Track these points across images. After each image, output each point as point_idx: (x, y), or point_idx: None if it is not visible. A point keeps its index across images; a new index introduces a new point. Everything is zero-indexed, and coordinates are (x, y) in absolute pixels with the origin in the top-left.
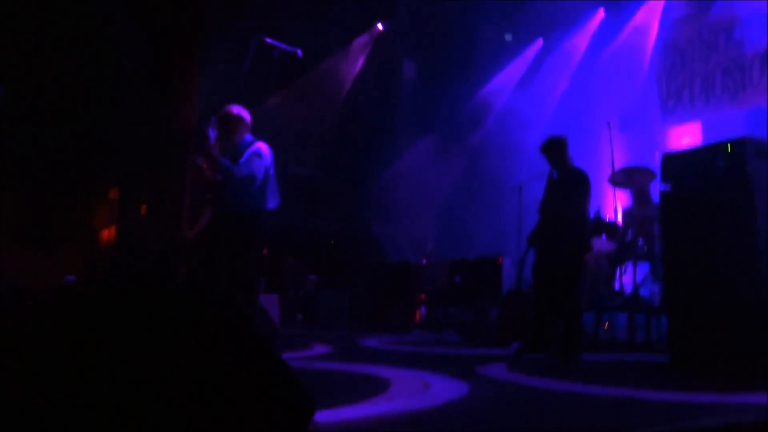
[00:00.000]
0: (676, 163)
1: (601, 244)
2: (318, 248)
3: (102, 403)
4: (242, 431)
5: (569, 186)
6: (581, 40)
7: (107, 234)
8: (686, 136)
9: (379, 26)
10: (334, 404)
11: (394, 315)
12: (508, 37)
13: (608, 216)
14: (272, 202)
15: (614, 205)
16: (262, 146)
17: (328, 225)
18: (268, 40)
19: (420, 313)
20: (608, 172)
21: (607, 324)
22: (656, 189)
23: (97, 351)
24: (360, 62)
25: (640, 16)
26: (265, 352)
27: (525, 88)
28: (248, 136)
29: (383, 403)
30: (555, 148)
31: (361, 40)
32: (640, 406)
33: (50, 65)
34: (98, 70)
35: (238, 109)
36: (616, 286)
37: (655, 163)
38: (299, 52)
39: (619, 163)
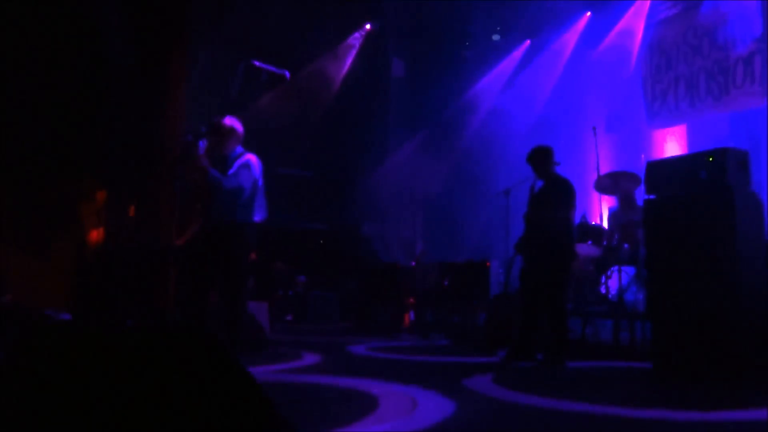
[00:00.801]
0: (659, 171)
1: (587, 248)
2: (307, 249)
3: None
4: None
5: (554, 195)
6: (568, 41)
7: (95, 235)
8: (671, 140)
9: (368, 26)
10: (323, 427)
11: (383, 317)
12: (495, 37)
13: (594, 221)
14: (259, 215)
15: (600, 209)
16: (251, 158)
17: (316, 225)
18: (257, 64)
19: (409, 316)
20: (594, 176)
21: (593, 328)
22: (642, 193)
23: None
24: (349, 61)
25: (626, 18)
26: (250, 391)
27: (512, 89)
28: (239, 148)
29: (371, 425)
30: (540, 158)
31: (350, 40)
32: (624, 425)
33: (38, 65)
34: (86, 70)
35: (231, 121)
36: (602, 290)
37: (641, 167)
38: (287, 75)
39: (605, 168)
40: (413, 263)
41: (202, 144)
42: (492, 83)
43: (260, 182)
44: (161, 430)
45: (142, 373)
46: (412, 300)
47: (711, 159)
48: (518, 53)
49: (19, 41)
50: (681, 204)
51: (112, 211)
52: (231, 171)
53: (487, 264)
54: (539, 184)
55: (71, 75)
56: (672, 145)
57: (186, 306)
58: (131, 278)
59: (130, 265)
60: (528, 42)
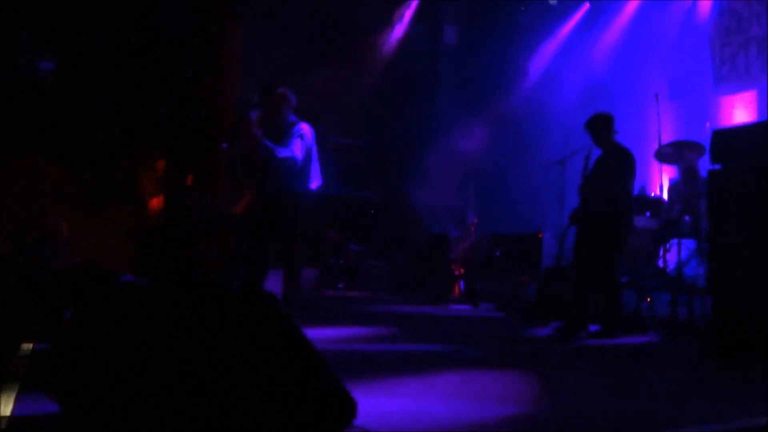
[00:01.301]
0: (726, 139)
1: (644, 221)
2: (358, 218)
3: (159, 396)
4: (285, 431)
5: (613, 165)
6: (630, 3)
7: (155, 203)
8: (740, 107)
9: None
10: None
11: (433, 286)
12: (552, 1)
13: (654, 192)
14: (314, 182)
15: (660, 180)
16: (304, 127)
17: (368, 194)
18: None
19: (459, 286)
20: (655, 146)
21: (649, 299)
22: (705, 164)
23: (155, 348)
24: (401, 29)
25: None
26: (308, 356)
27: (570, 55)
28: (292, 117)
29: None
30: (600, 126)
31: (403, 7)
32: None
33: (98, 37)
34: (144, 41)
35: (282, 90)
36: (659, 263)
37: (706, 137)
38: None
39: (667, 137)
40: (464, 233)
41: (254, 114)
42: (548, 49)
43: (314, 150)
44: (221, 388)
45: (204, 332)
46: (462, 270)
47: None
48: (577, 17)
49: (79, 13)
50: (749, 175)
51: (171, 180)
52: (285, 139)
53: (540, 236)
54: (596, 153)
55: (129, 47)
56: (741, 112)
57: (245, 270)
58: (190, 244)
59: (188, 232)
60: (587, 5)
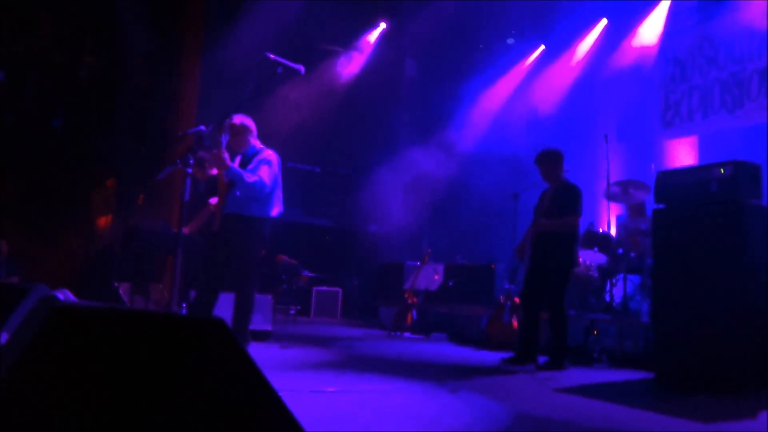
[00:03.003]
0: (669, 181)
1: (593, 255)
2: (312, 244)
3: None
4: None
5: (561, 200)
6: (583, 48)
7: (104, 221)
8: (683, 150)
9: (383, 24)
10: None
11: (386, 314)
12: (510, 40)
13: (602, 228)
14: (275, 209)
15: (608, 217)
16: (271, 154)
17: (323, 221)
18: (272, 57)
19: (412, 315)
20: (603, 184)
21: (596, 332)
22: (651, 203)
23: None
24: (362, 59)
25: (642, 27)
26: (259, 385)
27: (524, 93)
28: (254, 145)
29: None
30: (549, 161)
31: (364, 38)
32: None
33: (53, 53)
34: (101, 59)
35: (240, 119)
36: (606, 297)
37: (651, 177)
38: (302, 70)
39: (615, 176)
40: (418, 263)
41: (224, 139)
42: (505, 87)
43: (279, 178)
44: (169, 415)
45: (149, 358)
46: (415, 299)
47: (722, 171)
48: (532, 58)
49: (33, 29)
50: (690, 215)
51: (121, 198)
52: (250, 166)
53: (493, 267)
54: (545, 187)
55: (86, 65)
56: (683, 156)
57: (197, 294)
58: (138, 263)
59: (136, 250)
60: (542, 47)
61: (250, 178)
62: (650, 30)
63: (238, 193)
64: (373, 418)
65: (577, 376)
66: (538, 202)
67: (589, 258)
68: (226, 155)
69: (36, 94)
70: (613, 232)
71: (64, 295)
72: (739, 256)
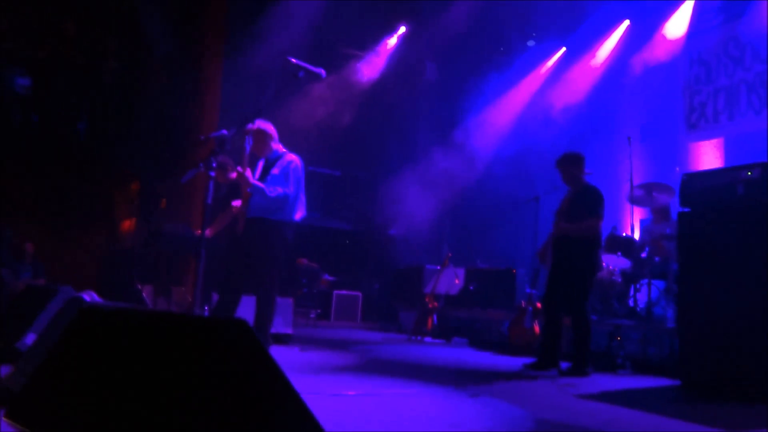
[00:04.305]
0: (695, 183)
1: (616, 260)
2: (333, 247)
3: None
4: None
5: (582, 204)
6: (605, 49)
7: (128, 225)
8: (708, 153)
9: (403, 28)
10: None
11: (407, 318)
12: (530, 43)
13: (625, 232)
14: (299, 213)
15: (631, 221)
16: (294, 159)
17: (343, 224)
18: (294, 61)
19: (432, 319)
20: (626, 187)
21: (619, 338)
22: (676, 206)
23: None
24: (382, 63)
25: (666, 27)
26: (281, 385)
27: (546, 96)
28: (276, 149)
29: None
30: (569, 164)
31: (385, 42)
32: None
33: (78, 56)
34: (125, 63)
35: (259, 124)
36: (630, 302)
37: (675, 180)
38: (323, 74)
39: (639, 179)
40: (438, 267)
41: (248, 145)
42: (525, 89)
43: (302, 182)
44: (192, 413)
45: (172, 358)
46: (435, 303)
47: (750, 173)
48: (553, 60)
49: (58, 32)
50: (716, 219)
51: (144, 201)
52: (273, 170)
53: (513, 271)
54: (570, 190)
55: (110, 69)
56: (708, 158)
57: (219, 297)
58: (160, 265)
59: (159, 253)
60: (564, 49)
61: (272, 192)
62: (674, 30)
63: (260, 197)
64: (392, 421)
65: (600, 382)
66: (560, 206)
67: (613, 262)
68: (249, 173)
69: (61, 97)
70: (636, 236)
71: (90, 296)
72: (766, 259)
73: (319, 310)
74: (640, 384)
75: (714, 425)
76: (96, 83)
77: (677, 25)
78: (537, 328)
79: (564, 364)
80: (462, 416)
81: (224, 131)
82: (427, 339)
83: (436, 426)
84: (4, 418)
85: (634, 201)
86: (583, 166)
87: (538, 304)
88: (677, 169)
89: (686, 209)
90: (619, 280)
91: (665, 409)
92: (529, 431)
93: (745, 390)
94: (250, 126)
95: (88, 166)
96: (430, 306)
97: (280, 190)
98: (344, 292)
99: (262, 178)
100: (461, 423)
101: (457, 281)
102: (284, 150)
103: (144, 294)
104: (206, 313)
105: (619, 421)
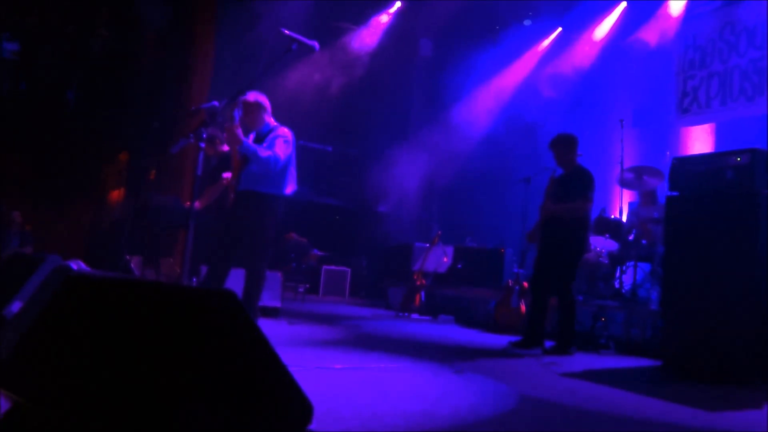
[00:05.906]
0: (684, 168)
1: (604, 242)
2: (323, 223)
3: (111, 394)
4: (243, 430)
5: (573, 185)
6: (601, 31)
7: (116, 195)
8: (699, 138)
9: (398, 3)
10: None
11: (395, 295)
12: (526, 22)
13: (613, 215)
14: (289, 187)
15: (620, 204)
16: (286, 132)
17: (333, 200)
18: (286, 32)
19: (420, 297)
20: (617, 170)
21: (603, 318)
22: (664, 190)
23: (108, 344)
24: (376, 38)
25: (662, 11)
26: (268, 356)
27: (539, 76)
28: (268, 122)
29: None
30: (563, 146)
31: (379, 16)
32: (625, 422)
33: (66, 24)
34: (115, 33)
35: (254, 96)
36: (616, 284)
37: (665, 164)
38: (317, 46)
39: (629, 162)
40: (428, 244)
41: (237, 114)
42: (519, 69)
43: (293, 156)
44: (178, 383)
45: (159, 328)
46: (424, 281)
47: (739, 159)
48: (548, 40)
49: (49, 3)
50: (704, 203)
51: (133, 172)
52: (264, 144)
53: (502, 251)
54: (559, 172)
55: (98, 37)
56: (699, 143)
57: (208, 269)
58: (149, 237)
59: (147, 224)
60: (560, 29)
61: (263, 152)
62: (670, 14)
63: (254, 168)
64: (378, 395)
65: (583, 361)
66: (548, 186)
67: (600, 244)
68: (239, 130)
69: (49, 65)
70: (624, 218)
71: (78, 265)
72: (752, 247)
73: (307, 285)
74: (622, 364)
75: (693, 405)
76: (85, 52)
77: (673, 9)
78: (523, 308)
79: (548, 343)
80: (447, 391)
81: (215, 102)
82: (415, 315)
83: (422, 400)
84: None
85: (624, 184)
86: (576, 147)
87: (525, 284)
88: (668, 153)
89: (674, 193)
90: (606, 261)
91: (646, 389)
92: (513, 407)
93: (725, 372)
94: (243, 97)
95: (77, 136)
96: (418, 283)
97: (270, 152)
98: (333, 267)
99: None
100: (446, 397)
101: (445, 259)
102: (276, 123)
103: (132, 265)
104: (194, 285)
105: (599, 398)
